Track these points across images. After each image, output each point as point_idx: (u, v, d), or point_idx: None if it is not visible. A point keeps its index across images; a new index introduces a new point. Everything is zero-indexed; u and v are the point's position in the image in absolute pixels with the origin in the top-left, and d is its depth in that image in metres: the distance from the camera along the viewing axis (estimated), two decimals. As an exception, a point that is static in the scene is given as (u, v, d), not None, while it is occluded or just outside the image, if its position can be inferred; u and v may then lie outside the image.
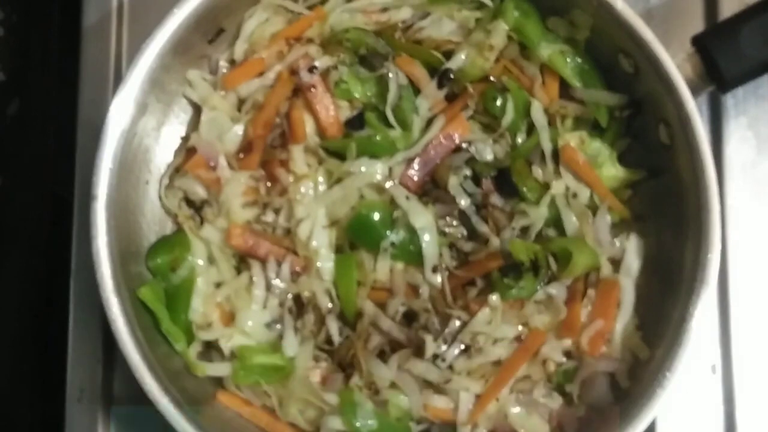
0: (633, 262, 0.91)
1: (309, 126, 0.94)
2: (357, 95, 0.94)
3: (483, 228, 0.92)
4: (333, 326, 0.91)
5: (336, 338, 0.91)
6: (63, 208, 1.02)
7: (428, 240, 0.90)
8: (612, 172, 0.92)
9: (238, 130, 0.95)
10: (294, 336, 0.92)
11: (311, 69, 0.93)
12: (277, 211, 0.94)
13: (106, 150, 0.87)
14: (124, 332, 0.85)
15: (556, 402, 0.90)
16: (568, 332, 0.90)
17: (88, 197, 0.86)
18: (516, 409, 0.90)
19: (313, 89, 0.93)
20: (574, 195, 0.92)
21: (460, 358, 0.89)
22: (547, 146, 0.92)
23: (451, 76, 0.92)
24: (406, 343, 0.90)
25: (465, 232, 0.93)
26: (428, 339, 0.89)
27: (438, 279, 0.90)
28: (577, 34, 0.92)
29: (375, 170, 0.92)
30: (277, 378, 0.91)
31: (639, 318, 0.90)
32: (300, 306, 0.93)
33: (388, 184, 0.92)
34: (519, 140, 0.93)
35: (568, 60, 0.93)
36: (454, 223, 0.93)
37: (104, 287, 0.85)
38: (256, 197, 0.94)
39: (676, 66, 0.84)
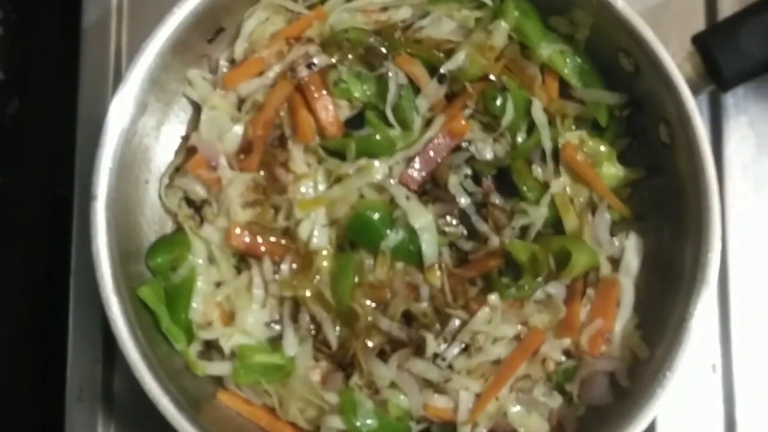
0: (632, 261, 0.91)
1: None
2: (356, 94, 0.94)
3: (483, 227, 0.92)
4: (329, 330, 0.91)
5: (333, 342, 0.91)
6: (63, 207, 1.02)
7: (428, 239, 0.90)
8: (612, 171, 0.92)
9: (238, 129, 0.95)
10: (294, 335, 0.92)
11: (309, 65, 0.93)
12: (277, 211, 0.94)
13: (106, 149, 0.87)
14: (124, 332, 0.85)
15: (555, 401, 0.90)
16: (567, 331, 0.90)
17: (88, 197, 0.86)
18: (516, 408, 0.90)
19: (312, 87, 0.93)
20: (574, 194, 0.92)
21: (460, 358, 0.90)
22: (547, 145, 0.92)
23: (445, 75, 0.93)
24: (406, 342, 0.90)
25: (465, 232, 0.93)
26: (429, 338, 0.89)
27: (438, 278, 0.91)
28: (577, 33, 0.92)
29: (375, 169, 0.92)
30: (278, 377, 0.91)
31: (639, 317, 0.90)
32: (298, 306, 0.93)
33: (388, 183, 0.92)
34: (519, 139, 0.93)
35: (568, 60, 0.93)
36: (454, 222, 0.93)
37: (104, 287, 0.85)
38: (256, 197, 0.94)
39: (676, 65, 0.84)
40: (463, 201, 0.93)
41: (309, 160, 0.94)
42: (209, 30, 0.94)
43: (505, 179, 0.93)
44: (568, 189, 0.92)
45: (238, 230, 0.93)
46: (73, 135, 1.02)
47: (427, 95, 0.93)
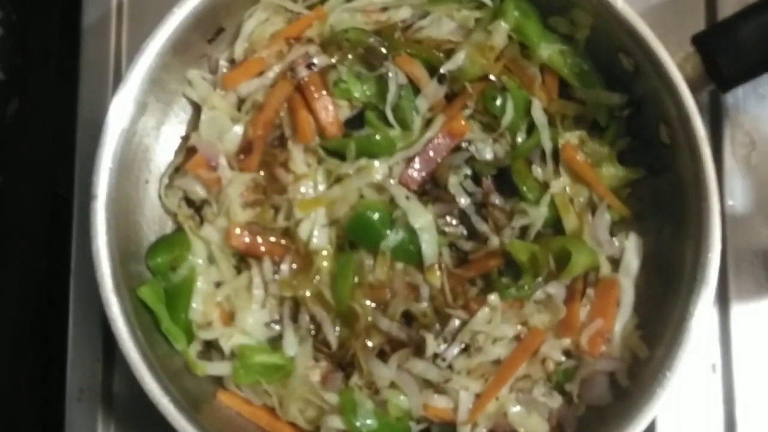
0: (632, 261, 0.91)
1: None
2: (356, 95, 0.94)
3: (483, 227, 0.92)
4: (329, 330, 0.91)
5: (333, 342, 0.91)
6: (63, 207, 1.02)
7: (428, 239, 0.90)
8: (612, 171, 0.92)
9: (238, 129, 0.95)
10: (294, 335, 0.92)
11: (309, 65, 0.93)
12: (277, 211, 0.94)
13: (106, 149, 0.87)
14: (124, 332, 0.85)
15: (555, 401, 0.90)
16: (567, 331, 0.90)
17: (88, 197, 0.86)
18: (516, 408, 0.90)
19: (312, 87, 0.93)
20: (574, 194, 0.92)
21: (460, 358, 0.90)
22: (547, 145, 0.92)
23: (445, 75, 0.93)
24: (406, 342, 0.90)
25: (465, 232, 0.93)
26: (429, 338, 0.89)
27: (438, 278, 0.91)
28: (577, 33, 0.92)
29: (375, 169, 0.92)
30: (277, 377, 0.91)
31: (639, 317, 0.90)
32: (298, 306, 0.93)
33: (388, 183, 0.92)
34: (519, 140, 0.93)
35: (568, 60, 0.93)
36: (454, 222, 0.93)
37: (104, 287, 0.85)
38: (256, 197, 0.94)
39: (676, 65, 0.84)
40: (463, 201, 0.93)
41: (309, 160, 0.94)
42: (209, 30, 0.94)
43: (505, 179, 0.93)
44: (568, 189, 0.92)
45: (238, 230, 0.93)
46: (73, 135, 1.02)
47: (427, 95, 0.93)
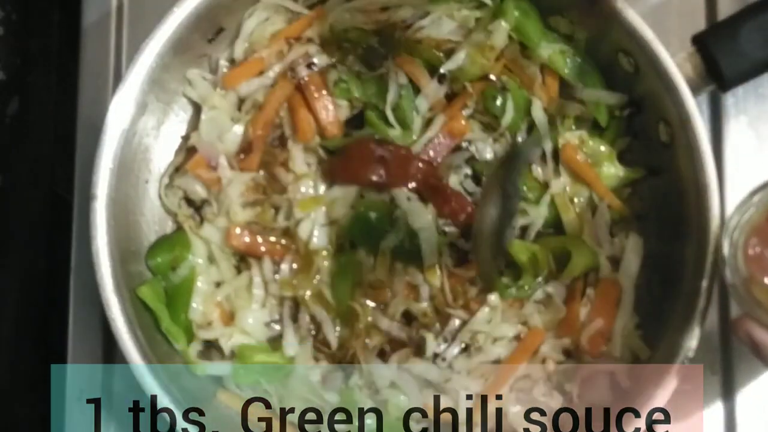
0: (632, 261, 0.91)
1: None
2: (357, 94, 0.94)
3: (483, 227, 0.92)
4: (329, 330, 0.91)
5: (333, 342, 0.91)
6: (63, 207, 1.02)
7: (428, 239, 0.90)
8: (612, 170, 0.92)
9: (238, 129, 0.95)
10: (294, 335, 0.92)
11: (309, 65, 0.93)
12: (277, 211, 0.94)
13: (106, 149, 0.87)
14: (124, 332, 0.85)
15: (555, 401, 0.90)
16: (567, 331, 0.90)
17: (88, 197, 0.86)
18: (516, 408, 0.90)
19: (312, 87, 0.93)
20: (574, 194, 0.92)
21: (460, 358, 0.90)
22: (547, 145, 0.92)
23: (445, 75, 0.93)
24: (406, 342, 0.90)
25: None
26: (429, 338, 0.89)
27: (438, 278, 0.91)
28: (577, 32, 0.92)
29: (374, 169, 0.92)
30: (278, 377, 0.91)
31: (639, 317, 0.90)
32: (298, 306, 0.93)
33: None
34: (519, 139, 0.93)
35: (568, 60, 0.93)
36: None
37: (104, 287, 0.85)
38: (256, 197, 0.95)
39: (676, 65, 0.84)
40: (463, 201, 0.93)
41: (309, 160, 0.95)
42: (209, 30, 0.94)
43: (505, 179, 0.93)
44: (568, 189, 0.92)
45: (238, 230, 0.93)
46: (73, 135, 1.02)
47: (427, 95, 0.93)
